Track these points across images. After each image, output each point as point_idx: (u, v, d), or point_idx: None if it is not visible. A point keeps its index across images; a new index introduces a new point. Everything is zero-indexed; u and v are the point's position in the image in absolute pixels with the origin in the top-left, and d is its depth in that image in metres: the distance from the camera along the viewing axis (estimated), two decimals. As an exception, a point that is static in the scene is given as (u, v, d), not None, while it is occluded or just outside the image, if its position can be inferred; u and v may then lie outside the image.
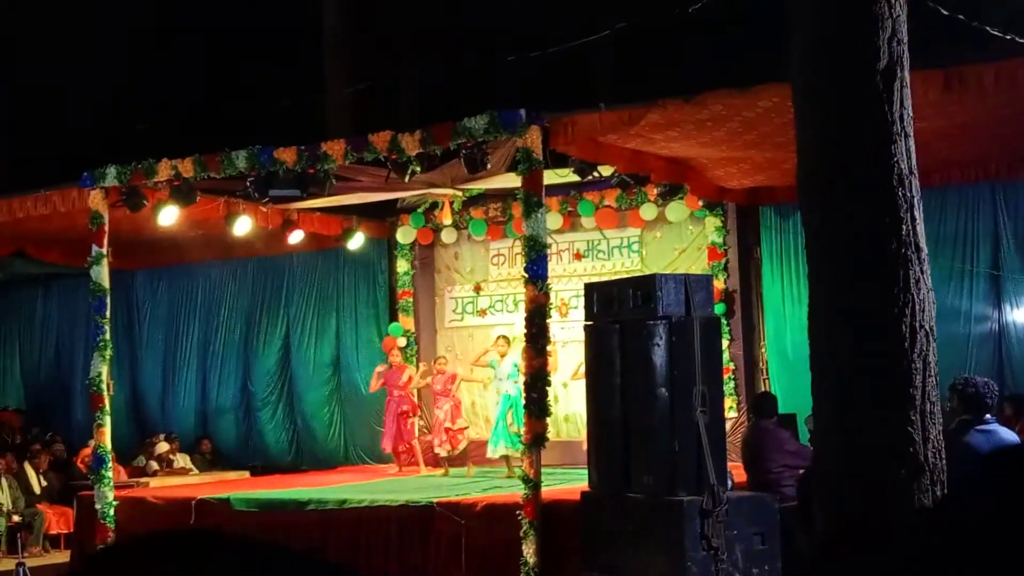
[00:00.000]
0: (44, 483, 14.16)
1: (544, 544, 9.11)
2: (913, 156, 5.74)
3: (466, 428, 13.35)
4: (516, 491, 9.53)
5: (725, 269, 13.10)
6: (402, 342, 14.63)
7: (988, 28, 9.00)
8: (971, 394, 6.85)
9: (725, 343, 12.31)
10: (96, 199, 11.60)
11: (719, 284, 12.69)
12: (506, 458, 12.39)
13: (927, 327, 5.64)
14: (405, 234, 14.84)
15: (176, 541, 0.92)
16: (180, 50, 20.10)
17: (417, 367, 14.24)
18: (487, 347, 13.42)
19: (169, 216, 11.98)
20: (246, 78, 19.73)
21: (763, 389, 12.56)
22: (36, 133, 20.70)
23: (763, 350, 13.12)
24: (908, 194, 5.67)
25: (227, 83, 20.01)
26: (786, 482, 9.34)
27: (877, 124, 5.68)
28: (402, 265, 15.03)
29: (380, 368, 14.00)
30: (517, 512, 9.22)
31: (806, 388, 5.96)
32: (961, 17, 9.11)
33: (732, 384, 12.71)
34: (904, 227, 5.63)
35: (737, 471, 9.44)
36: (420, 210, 14.66)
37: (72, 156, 15.26)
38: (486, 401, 14.05)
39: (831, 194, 5.79)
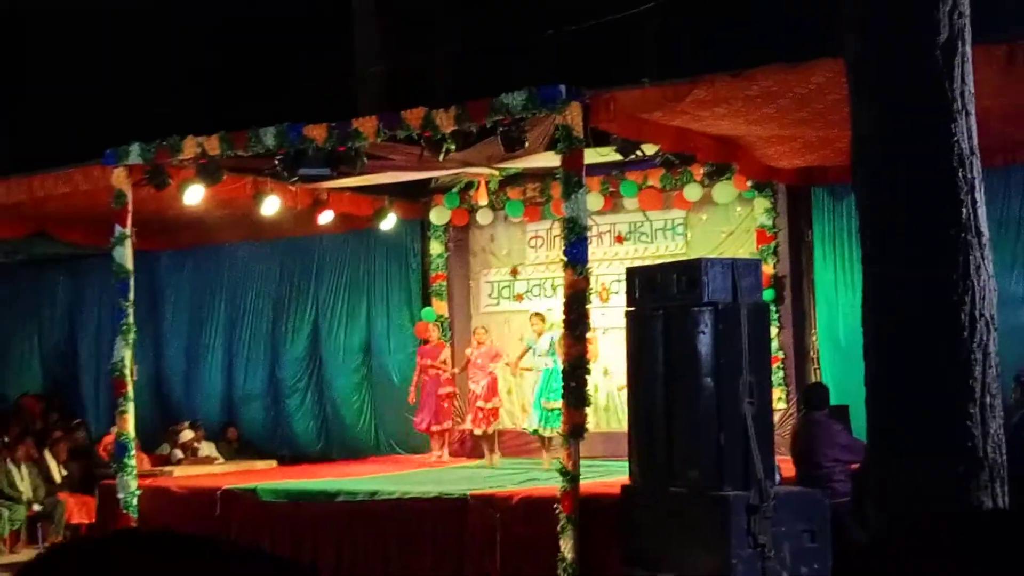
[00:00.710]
0: (65, 471, 14.34)
1: (582, 539, 9.13)
2: (975, 135, 5.71)
3: (499, 408, 13.42)
4: (553, 484, 9.56)
5: (775, 253, 13.04)
6: (435, 329, 14.68)
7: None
8: (1035, 386, 6.81)
9: (774, 331, 12.26)
10: (119, 177, 11.70)
11: (768, 269, 12.65)
12: (541, 438, 12.44)
13: (987, 316, 5.61)
14: (439, 215, 14.86)
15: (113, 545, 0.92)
16: (201, 27, 20.14)
17: (453, 352, 14.29)
18: (522, 345, 13.42)
19: (195, 195, 12.05)
20: (270, 56, 19.73)
21: (814, 379, 12.51)
22: (55, 112, 20.85)
23: (814, 339, 13.07)
24: (969, 175, 5.64)
25: (250, 62, 20.03)
26: (837, 477, 9.33)
27: (936, 101, 5.64)
28: (436, 247, 15.06)
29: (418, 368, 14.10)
30: (555, 506, 9.25)
31: (859, 378, 5.94)
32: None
33: (781, 374, 12.67)
34: (964, 210, 5.60)
35: (786, 465, 9.43)
36: (455, 190, 14.68)
37: (94, 135, 15.39)
38: (523, 388, 14.07)
39: (887, 175, 5.76)
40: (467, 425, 13.43)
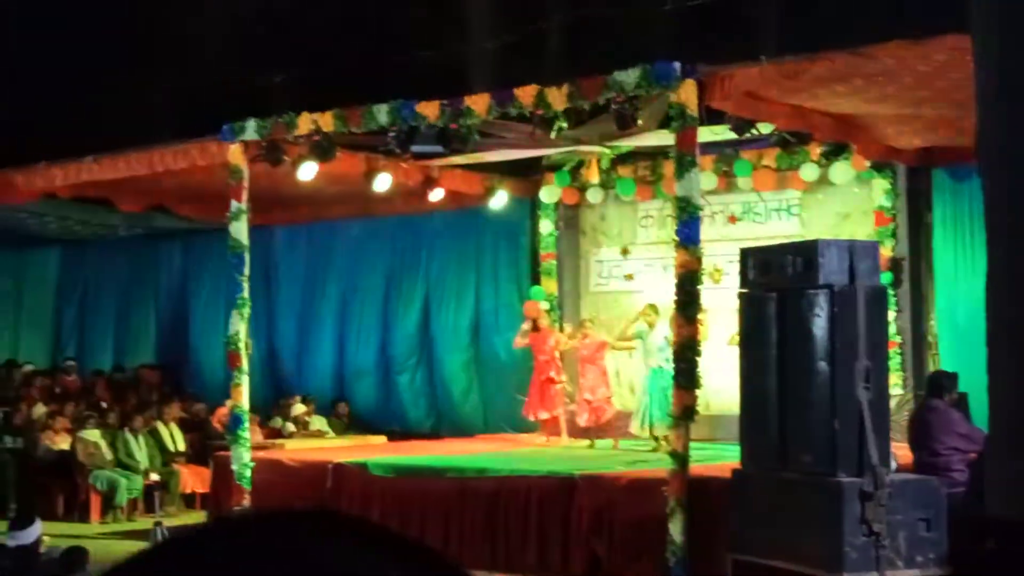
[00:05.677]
0: (180, 442, 14.70)
1: (691, 523, 9.11)
2: (1107, 114, 5.53)
3: (610, 397, 13.33)
4: (663, 466, 9.54)
5: (893, 235, 12.81)
6: (544, 306, 14.68)
7: None
8: None
9: (891, 315, 12.04)
10: (236, 153, 11.92)
11: (886, 251, 12.41)
12: (655, 437, 12.26)
13: (1118, 302, 5.45)
14: (549, 193, 14.87)
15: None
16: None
17: (563, 330, 14.26)
18: (630, 318, 13.31)
19: (309, 172, 12.24)
20: (383, 27, 19.93)
21: (931, 365, 12.29)
22: (169, 84, 21.28)
23: (932, 323, 12.83)
24: (1100, 156, 5.47)
25: (362, 33, 20.23)
26: (955, 466, 9.17)
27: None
28: (546, 226, 15.07)
29: (526, 326, 13.99)
30: (663, 488, 9.23)
31: (978, 365, 5.82)
32: None
33: (898, 359, 12.44)
34: (1094, 192, 5.45)
35: (902, 452, 9.29)
36: (566, 168, 14.67)
37: (208, 108, 15.70)
38: (632, 370, 14.02)
39: (1013, 155, 5.62)
40: (581, 421, 13.32)
